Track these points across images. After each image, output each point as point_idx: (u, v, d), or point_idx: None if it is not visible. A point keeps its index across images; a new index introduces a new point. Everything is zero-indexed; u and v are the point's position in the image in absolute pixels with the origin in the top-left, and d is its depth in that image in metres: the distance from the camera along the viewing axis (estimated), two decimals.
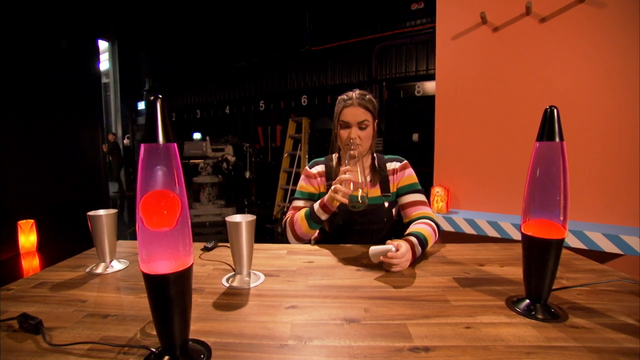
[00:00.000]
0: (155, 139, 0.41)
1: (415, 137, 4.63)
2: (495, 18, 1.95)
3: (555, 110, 0.58)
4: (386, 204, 1.10)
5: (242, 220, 0.72)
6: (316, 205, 1.00)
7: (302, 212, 1.03)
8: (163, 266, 0.43)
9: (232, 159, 5.95)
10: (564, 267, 0.84)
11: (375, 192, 1.10)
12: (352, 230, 1.10)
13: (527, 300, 0.63)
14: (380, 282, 0.75)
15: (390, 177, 1.13)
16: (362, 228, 1.10)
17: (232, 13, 6.28)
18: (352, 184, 0.90)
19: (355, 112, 1.04)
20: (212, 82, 6.82)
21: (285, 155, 5.57)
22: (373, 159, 1.15)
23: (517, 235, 1.73)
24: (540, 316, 0.59)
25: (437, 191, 2.13)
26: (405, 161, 1.16)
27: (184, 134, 6.68)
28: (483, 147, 1.98)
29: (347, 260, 0.89)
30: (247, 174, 6.33)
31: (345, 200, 0.89)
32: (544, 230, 0.60)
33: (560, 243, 0.59)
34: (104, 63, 7.29)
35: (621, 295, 0.68)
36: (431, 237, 0.94)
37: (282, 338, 0.53)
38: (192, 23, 6.71)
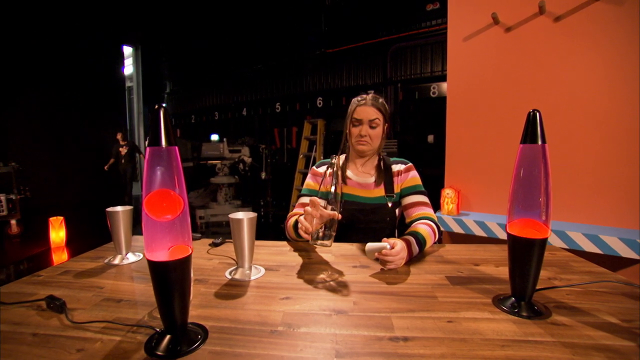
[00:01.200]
0: (159, 143, 0.47)
1: (430, 138, 4.59)
2: (508, 18, 1.94)
3: (537, 114, 0.60)
4: (389, 204, 1.13)
5: (243, 217, 0.78)
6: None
7: (293, 220, 1.04)
8: (164, 255, 0.48)
9: (248, 160, 6.07)
10: (561, 268, 0.85)
11: (380, 192, 1.14)
12: (356, 228, 1.14)
13: (512, 298, 0.65)
14: (373, 278, 0.78)
15: (395, 179, 1.16)
16: (366, 227, 1.13)
17: (249, 18, 6.43)
18: (315, 219, 0.81)
19: (367, 111, 1.09)
20: (230, 84, 6.99)
21: (301, 156, 5.64)
22: (380, 160, 1.19)
23: (556, 242, 1.70)
24: (523, 313, 0.61)
25: (447, 193, 2.13)
26: (410, 164, 1.20)
27: (202, 136, 6.88)
28: (495, 148, 1.97)
29: (345, 257, 0.93)
30: (263, 175, 6.45)
31: (306, 236, 0.84)
32: (527, 230, 0.62)
33: (543, 242, 0.61)
34: (128, 68, 7.62)
35: (612, 297, 0.68)
36: (430, 237, 0.97)
37: (273, 325, 0.57)
38: (211, 28, 6.91)
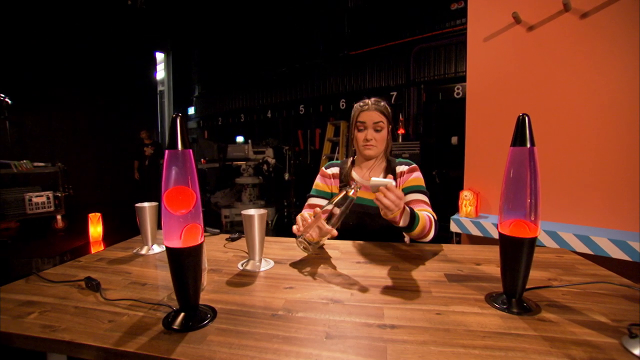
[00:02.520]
0: (175, 147, 0.55)
1: (454, 140, 4.51)
2: (530, 17, 1.90)
3: (526, 118, 0.63)
4: None
5: (255, 213, 0.85)
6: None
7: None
8: (179, 242, 0.56)
9: (272, 161, 6.22)
10: (564, 270, 0.85)
11: None
12: (364, 231, 1.17)
13: (504, 295, 0.68)
14: (374, 273, 0.83)
15: (398, 180, 1.19)
16: (373, 229, 1.17)
17: (273, 23, 6.60)
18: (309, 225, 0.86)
19: (371, 115, 1.14)
20: (256, 87, 7.19)
21: (324, 157, 5.71)
22: (388, 162, 1.22)
23: (548, 242, 1.68)
24: (513, 310, 0.64)
25: (465, 195, 2.11)
26: (414, 165, 1.22)
27: (228, 137, 7.12)
28: None
29: (350, 254, 0.98)
30: (286, 176, 6.57)
31: (296, 232, 0.89)
32: (517, 230, 0.64)
33: (532, 241, 0.64)
34: (160, 73, 8.04)
35: (610, 299, 0.69)
36: (424, 221, 0.97)
37: (274, 309, 0.64)
38: (237, 34, 7.15)
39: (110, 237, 3.53)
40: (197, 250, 0.57)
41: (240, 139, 6.68)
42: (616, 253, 1.46)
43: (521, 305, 0.65)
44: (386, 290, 0.73)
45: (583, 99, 1.72)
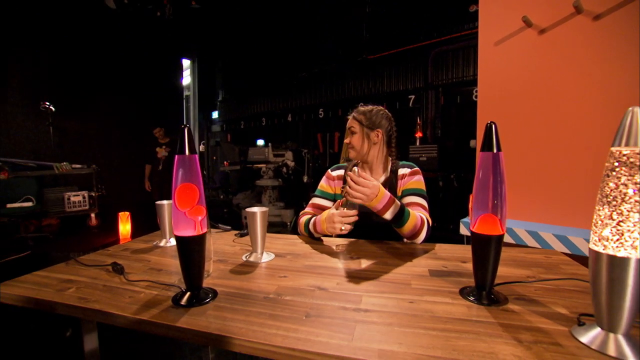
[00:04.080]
0: (183, 152, 0.66)
1: (472, 143, 4.46)
2: (542, 20, 1.90)
3: (493, 126, 0.69)
4: None
5: (257, 211, 0.96)
6: (318, 227, 1.15)
7: (305, 219, 1.22)
8: (185, 232, 0.67)
9: (291, 164, 6.36)
10: (546, 269, 0.89)
11: None
12: (363, 228, 1.25)
13: (476, 289, 0.74)
14: (362, 267, 0.91)
15: (398, 182, 1.26)
16: (372, 227, 1.24)
17: (294, 29, 6.77)
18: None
19: (349, 122, 1.28)
20: (276, 92, 7.40)
21: (342, 160, 5.78)
22: (389, 165, 1.30)
23: (558, 247, 1.67)
24: (483, 301, 0.70)
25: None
26: (416, 168, 1.28)
27: (250, 141, 7.35)
28: (525, 154, 1.94)
29: (344, 250, 1.06)
30: (305, 178, 6.70)
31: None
32: (486, 228, 0.71)
33: (499, 239, 0.70)
34: (186, 78, 8.43)
35: (577, 294, 0.73)
36: (415, 220, 1.05)
37: (266, 293, 0.74)
38: (259, 41, 7.39)
39: (137, 233, 3.78)
40: (200, 239, 0.68)
41: (260, 142, 6.89)
42: None
43: (490, 298, 0.71)
44: (369, 281, 0.81)
45: (596, 101, 1.70)
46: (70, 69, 5.49)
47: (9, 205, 3.85)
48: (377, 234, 1.21)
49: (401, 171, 1.27)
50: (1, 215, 3.81)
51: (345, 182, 1.31)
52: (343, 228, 1.05)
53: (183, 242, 0.67)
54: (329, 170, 1.38)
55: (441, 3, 4.67)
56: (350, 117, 1.29)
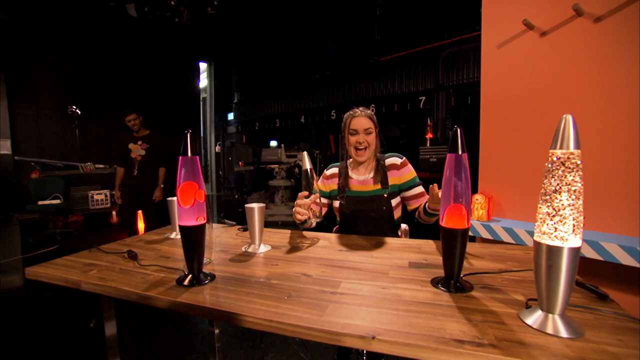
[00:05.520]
0: (187, 154, 0.78)
1: None
2: (543, 22, 1.93)
3: (459, 131, 0.77)
4: (385, 195, 1.32)
5: (255, 206, 1.06)
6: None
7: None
8: (188, 222, 0.78)
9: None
10: (522, 263, 0.95)
11: (377, 186, 1.34)
12: (358, 217, 1.35)
13: (445, 278, 0.82)
14: (349, 258, 1.00)
15: (389, 172, 1.35)
16: (366, 215, 1.34)
17: (306, 32, 6.90)
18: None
19: (362, 121, 1.33)
20: (290, 94, 7.54)
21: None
22: (377, 160, 1.39)
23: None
24: (451, 289, 0.78)
25: (476, 199, 2.17)
26: (404, 159, 1.37)
27: (264, 142, 7.53)
28: (527, 155, 1.96)
29: (336, 244, 1.16)
30: (317, 179, 6.80)
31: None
32: (453, 222, 0.78)
33: (464, 232, 0.77)
34: (203, 81, 8.71)
35: None
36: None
37: (258, 277, 0.84)
38: (272, 44, 7.56)
39: (153, 227, 3.98)
40: (200, 228, 0.79)
41: (274, 143, 7.05)
42: (627, 260, 1.42)
43: (456, 286, 0.78)
44: (351, 270, 0.90)
45: (598, 103, 1.72)
46: (94, 74, 5.81)
47: (39, 203, 4.14)
48: (366, 222, 1.32)
49: (389, 161, 1.36)
50: (34, 212, 4.10)
51: (339, 179, 1.41)
52: (302, 216, 1.14)
53: (186, 231, 0.79)
54: (325, 170, 1.48)
55: (452, 4, 4.68)
56: (362, 117, 1.33)
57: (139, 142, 3.26)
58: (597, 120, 1.72)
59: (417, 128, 5.38)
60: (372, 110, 1.43)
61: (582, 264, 1.25)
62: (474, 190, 2.26)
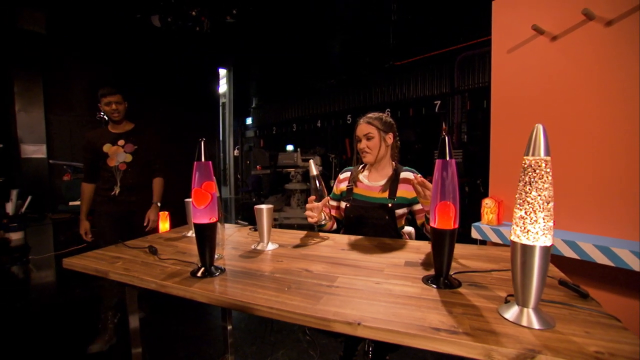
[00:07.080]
0: (200, 159, 0.88)
1: None
2: (554, 27, 1.93)
3: (447, 138, 0.83)
4: (390, 205, 1.38)
5: (264, 207, 1.15)
6: None
7: None
8: (201, 220, 0.88)
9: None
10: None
11: (384, 195, 1.40)
12: (362, 222, 1.41)
13: (435, 276, 0.87)
14: (350, 257, 1.07)
15: (401, 185, 1.40)
16: (369, 222, 1.40)
17: (323, 38, 7.02)
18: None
19: (362, 128, 1.40)
20: (306, 99, 7.68)
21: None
22: (394, 168, 1.44)
23: (567, 251, 1.69)
24: (440, 285, 0.84)
25: (486, 203, 2.19)
26: (420, 176, 1.42)
27: (282, 146, 7.69)
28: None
29: (340, 244, 1.23)
30: (332, 183, 6.88)
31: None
32: (442, 223, 0.84)
33: (453, 232, 0.83)
34: (222, 87, 8.99)
35: None
36: None
37: (263, 272, 0.93)
38: (290, 50, 7.73)
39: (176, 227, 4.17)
40: (211, 226, 0.89)
41: (290, 147, 7.18)
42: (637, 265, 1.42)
43: (445, 283, 0.84)
44: (349, 267, 0.97)
45: (610, 107, 1.71)
46: (121, 81, 6.15)
47: (70, 203, 4.42)
48: (371, 228, 1.37)
49: (404, 174, 1.41)
50: (65, 212, 4.38)
51: (350, 182, 1.48)
52: (313, 218, 1.29)
53: (199, 228, 0.88)
54: (339, 173, 1.56)
55: (466, 8, 4.67)
56: (362, 124, 1.41)
57: (120, 142, 2.05)
58: (610, 124, 1.70)
59: (433, 132, 5.36)
60: (387, 114, 1.49)
61: (569, 265, 1.29)
62: (485, 194, 2.26)
